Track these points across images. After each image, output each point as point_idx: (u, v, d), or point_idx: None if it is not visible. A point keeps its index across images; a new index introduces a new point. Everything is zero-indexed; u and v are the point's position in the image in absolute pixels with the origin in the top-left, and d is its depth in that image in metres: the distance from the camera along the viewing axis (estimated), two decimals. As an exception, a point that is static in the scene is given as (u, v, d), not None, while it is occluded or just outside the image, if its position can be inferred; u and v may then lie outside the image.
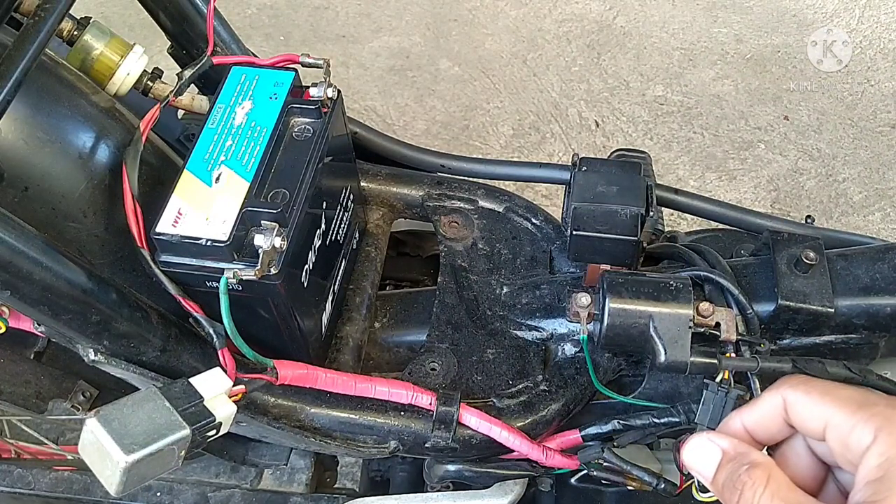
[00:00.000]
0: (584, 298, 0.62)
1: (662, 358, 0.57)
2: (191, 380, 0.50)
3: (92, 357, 0.55)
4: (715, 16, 1.98)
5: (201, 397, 0.49)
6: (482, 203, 0.77)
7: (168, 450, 0.45)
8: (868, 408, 0.41)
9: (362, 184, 0.74)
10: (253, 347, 0.55)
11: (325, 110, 0.60)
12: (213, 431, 0.49)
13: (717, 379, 0.57)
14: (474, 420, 0.63)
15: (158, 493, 0.90)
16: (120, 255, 0.57)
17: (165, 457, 0.46)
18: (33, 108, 0.53)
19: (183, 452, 0.47)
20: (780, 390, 0.45)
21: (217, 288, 0.51)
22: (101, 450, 0.44)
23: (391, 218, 0.77)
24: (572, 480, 0.77)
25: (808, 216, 0.78)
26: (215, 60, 0.62)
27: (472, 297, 0.71)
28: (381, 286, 0.76)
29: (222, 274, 0.51)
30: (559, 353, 0.68)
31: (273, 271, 0.52)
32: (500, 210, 0.76)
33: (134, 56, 0.61)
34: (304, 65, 0.62)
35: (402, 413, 0.64)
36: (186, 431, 0.46)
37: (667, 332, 0.58)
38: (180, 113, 0.76)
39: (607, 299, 0.59)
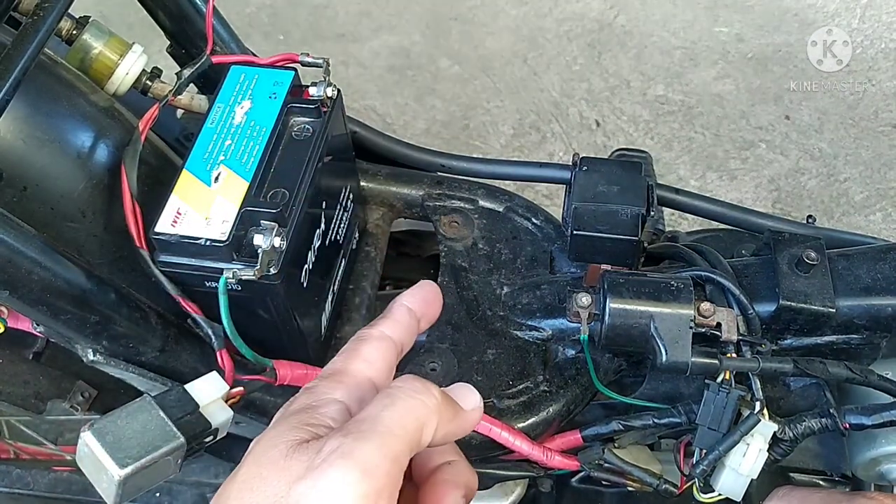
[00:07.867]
0: (584, 298, 0.62)
1: (663, 358, 0.57)
2: (186, 386, 0.49)
3: (91, 357, 0.55)
4: (716, 15, 1.98)
5: (197, 405, 0.48)
6: (482, 203, 0.76)
7: (164, 460, 0.45)
8: None
9: (362, 183, 0.74)
10: (252, 348, 0.54)
11: (325, 109, 0.60)
12: (210, 438, 0.48)
13: (719, 379, 0.57)
14: (474, 420, 0.63)
15: (158, 494, 0.90)
16: (119, 255, 0.57)
17: (162, 466, 0.45)
18: (32, 108, 0.52)
19: (180, 461, 0.46)
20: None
21: (216, 288, 0.51)
22: (97, 463, 0.43)
23: (391, 218, 0.77)
24: (573, 481, 0.76)
25: (810, 216, 0.77)
26: (214, 59, 0.62)
27: (472, 297, 0.71)
28: (381, 286, 0.75)
29: (221, 274, 0.51)
30: (560, 354, 0.68)
31: (272, 271, 0.51)
32: (501, 210, 0.76)
33: (133, 55, 0.60)
34: (303, 64, 0.62)
35: (402, 413, 0.64)
36: (181, 441, 0.45)
37: (667, 333, 0.58)
38: (179, 112, 0.76)
39: (608, 299, 0.59)
